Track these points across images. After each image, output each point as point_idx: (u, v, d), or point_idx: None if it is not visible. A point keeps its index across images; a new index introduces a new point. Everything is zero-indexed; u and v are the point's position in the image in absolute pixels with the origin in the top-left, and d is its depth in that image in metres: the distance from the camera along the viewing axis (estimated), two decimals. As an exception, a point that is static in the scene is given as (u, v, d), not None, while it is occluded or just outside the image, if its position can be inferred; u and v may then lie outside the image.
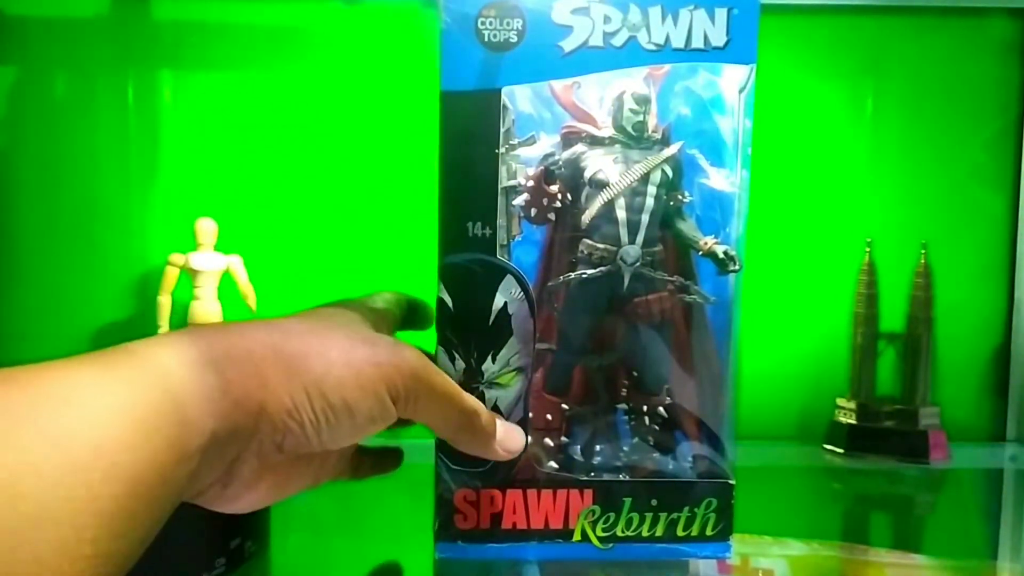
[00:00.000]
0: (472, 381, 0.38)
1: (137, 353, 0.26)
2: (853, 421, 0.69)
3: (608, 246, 0.38)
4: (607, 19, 0.37)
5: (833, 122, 0.75)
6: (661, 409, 0.39)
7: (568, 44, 0.37)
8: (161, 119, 0.73)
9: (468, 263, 0.37)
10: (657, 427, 0.39)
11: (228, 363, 0.27)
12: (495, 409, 0.38)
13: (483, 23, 0.36)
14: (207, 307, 0.66)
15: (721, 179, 0.38)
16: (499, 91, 0.37)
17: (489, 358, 0.38)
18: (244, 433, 0.28)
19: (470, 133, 0.37)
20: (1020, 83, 0.74)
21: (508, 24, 0.36)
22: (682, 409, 0.39)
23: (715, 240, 0.38)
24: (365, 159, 0.73)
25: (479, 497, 0.39)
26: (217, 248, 0.67)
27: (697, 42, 0.37)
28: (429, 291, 0.38)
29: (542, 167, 0.37)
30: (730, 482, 0.40)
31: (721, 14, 0.37)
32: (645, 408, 0.39)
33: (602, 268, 0.38)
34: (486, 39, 0.36)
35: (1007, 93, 0.74)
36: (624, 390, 0.39)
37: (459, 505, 0.39)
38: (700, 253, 0.38)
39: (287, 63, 0.73)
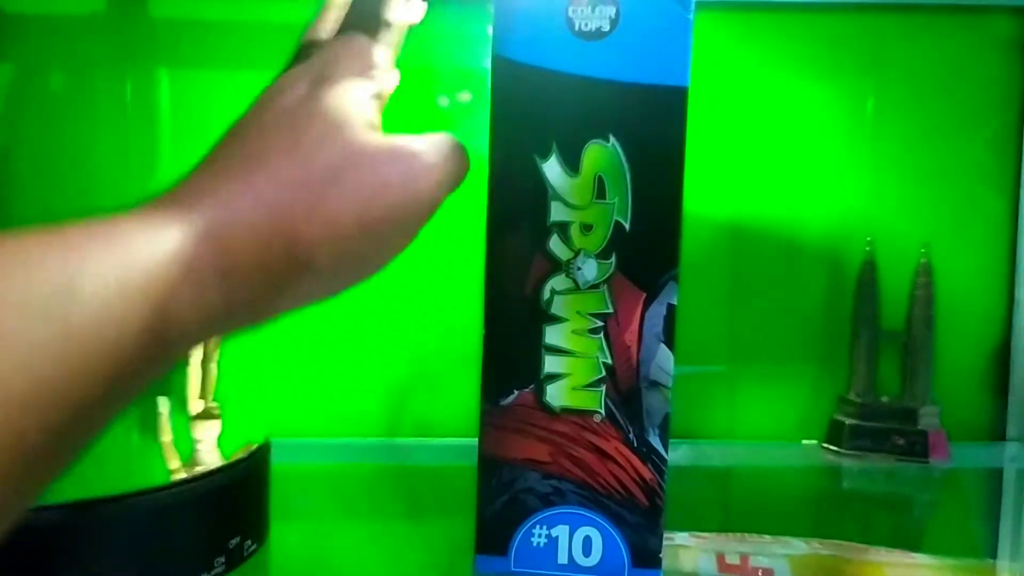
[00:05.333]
0: None
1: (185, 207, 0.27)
2: (853, 420, 0.69)
3: None
4: None
5: (833, 121, 0.74)
6: None
7: None
8: (160, 117, 0.73)
9: None
10: None
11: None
12: None
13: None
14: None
15: None
16: None
17: None
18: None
19: None
20: (1021, 81, 0.74)
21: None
22: None
23: None
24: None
25: None
26: (216, 247, 0.67)
27: None
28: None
29: None
30: None
31: None
32: None
33: None
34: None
35: (1008, 91, 0.74)
36: None
37: None
38: None
39: (286, 62, 0.72)
